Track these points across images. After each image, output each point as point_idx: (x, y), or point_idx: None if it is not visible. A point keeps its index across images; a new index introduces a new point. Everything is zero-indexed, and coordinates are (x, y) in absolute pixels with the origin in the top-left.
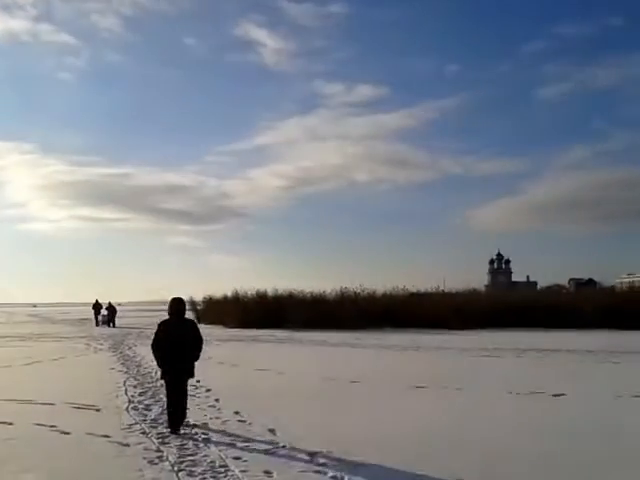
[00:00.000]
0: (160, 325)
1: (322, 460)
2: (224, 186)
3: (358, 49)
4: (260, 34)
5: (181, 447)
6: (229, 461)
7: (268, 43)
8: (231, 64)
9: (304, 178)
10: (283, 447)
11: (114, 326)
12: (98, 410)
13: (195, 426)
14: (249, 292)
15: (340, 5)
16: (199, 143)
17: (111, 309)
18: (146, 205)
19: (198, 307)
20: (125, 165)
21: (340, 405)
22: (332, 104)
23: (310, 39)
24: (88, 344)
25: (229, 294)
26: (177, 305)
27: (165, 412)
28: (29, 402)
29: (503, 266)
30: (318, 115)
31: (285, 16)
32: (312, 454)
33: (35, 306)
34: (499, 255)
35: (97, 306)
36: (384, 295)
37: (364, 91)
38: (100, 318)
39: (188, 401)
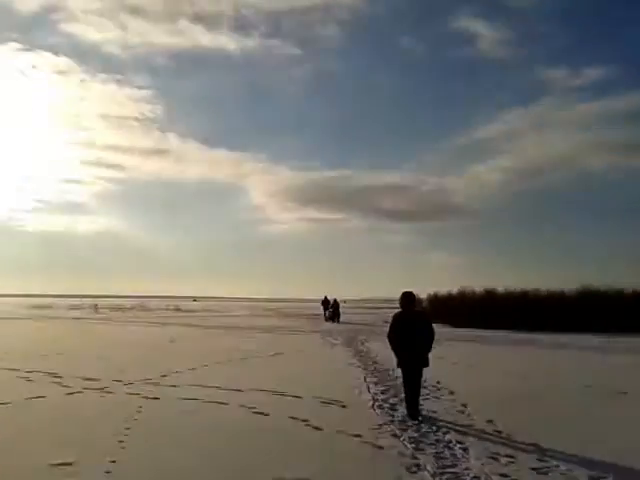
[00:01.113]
0: (394, 317)
1: None
2: (443, 183)
3: (581, 30)
4: (476, 25)
5: (438, 456)
6: (496, 479)
7: (485, 33)
8: (448, 59)
9: (528, 170)
10: (556, 467)
11: (338, 322)
12: (344, 406)
13: (446, 431)
14: (477, 289)
15: None
16: (417, 141)
17: (335, 305)
18: (366, 205)
19: (422, 305)
20: (345, 167)
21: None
22: (556, 90)
23: (528, 25)
24: (323, 339)
25: (454, 291)
26: (408, 298)
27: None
28: (281, 394)
29: None
30: (541, 103)
31: (500, 3)
32: None
33: (273, 301)
34: None
35: (326, 302)
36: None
37: (591, 74)
38: (327, 314)
39: (435, 403)
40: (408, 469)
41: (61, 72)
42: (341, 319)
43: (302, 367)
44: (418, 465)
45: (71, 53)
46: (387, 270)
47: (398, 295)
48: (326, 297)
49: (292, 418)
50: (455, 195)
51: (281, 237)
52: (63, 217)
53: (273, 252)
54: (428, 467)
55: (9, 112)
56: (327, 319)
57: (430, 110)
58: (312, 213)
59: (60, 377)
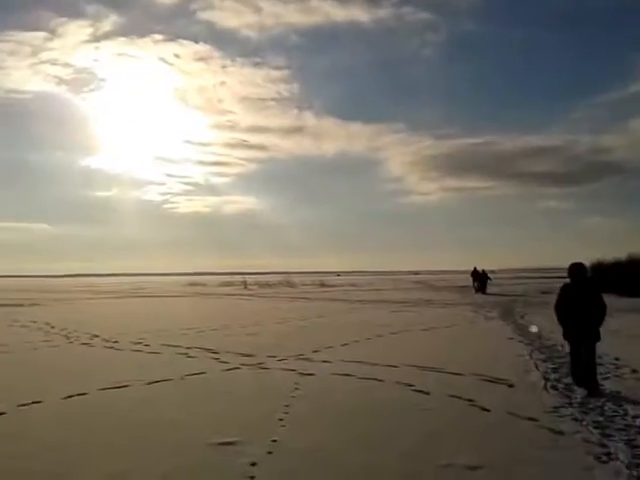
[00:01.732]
0: (563, 288)
1: None
2: (597, 141)
3: None
4: None
5: (631, 444)
6: None
7: None
8: (592, 9)
9: None
10: None
11: (485, 293)
12: (511, 386)
13: (636, 415)
14: None
15: None
16: (564, 100)
17: (483, 276)
18: (510, 171)
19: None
20: (487, 133)
21: None
22: None
23: None
24: (476, 311)
25: (615, 258)
26: (578, 269)
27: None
28: (438, 371)
29: None
30: None
31: None
32: None
33: (417, 274)
34: None
35: (475, 273)
36: None
37: None
38: (476, 285)
39: (617, 383)
40: (597, 458)
41: (202, 59)
42: (492, 290)
43: (458, 342)
44: (609, 454)
45: (210, 40)
46: (539, 238)
47: (551, 264)
48: (475, 268)
49: (454, 397)
50: (612, 153)
51: (424, 208)
52: (211, 198)
53: (416, 224)
54: (621, 456)
55: (156, 101)
56: (477, 291)
57: (578, 65)
58: (455, 182)
59: (217, 353)
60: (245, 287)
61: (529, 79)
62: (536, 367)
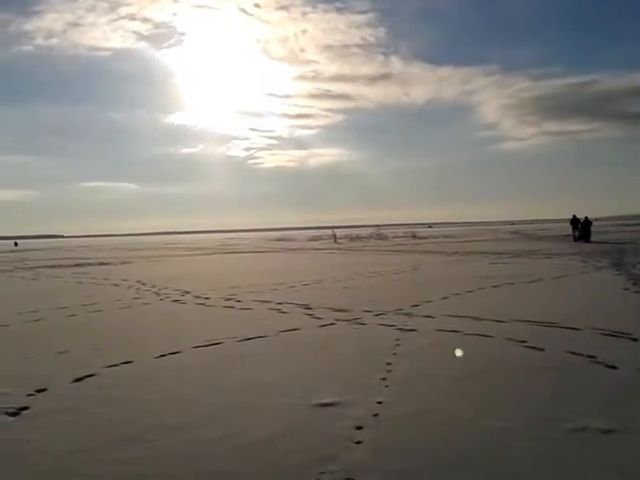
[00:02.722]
0: None
1: None
2: None
3: None
4: None
5: None
6: None
7: None
8: None
9: None
10: None
11: (589, 241)
12: (635, 340)
13: None
14: None
15: None
16: None
17: (586, 224)
18: (615, 111)
19: None
20: (588, 71)
21: None
22: None
23: None
24: (584, 261)
25: None
26: None
27: None
28: (551, 325)
29: None
30: None
31: None
32: None
33: (513, 224)
34: None
35: (575, 221)
36: None
37: None
38: (576, 233)
39: None
40: None
41: (282, 7)
42: (597, 239)
43: (569, 294)
44: None
45: None
46: None
47: None
48: (575, 216)
49: (573, 354)
50: None
51: (520, 155)
52: (295, 152)
53: (511, 172)
54: None
55: (237, 53)
56: (576, 239)
57: None
58: (555, 126)
59: (310, 308)
60: (335, 241)
61: (636, 10)
62: None
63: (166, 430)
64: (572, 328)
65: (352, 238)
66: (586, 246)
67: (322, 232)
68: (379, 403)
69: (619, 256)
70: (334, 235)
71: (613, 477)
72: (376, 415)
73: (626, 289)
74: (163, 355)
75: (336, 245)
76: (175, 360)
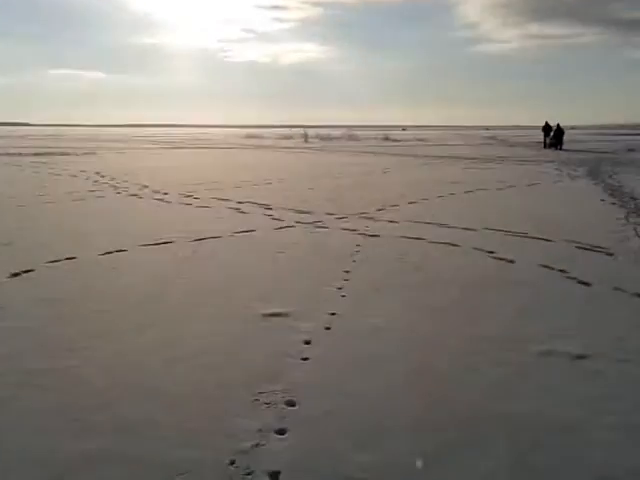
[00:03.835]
0: None
1: None
2: None
3: None
4: None
5: None
6: None
7: None
8: None
9: None
10: None
11: (561, 149)
12: (610, 254)
13: None
14: None
15: None
16: None
17: (559, 131)
18: (599, 15)
19: None
20: None
21: None
22: None
23: None
24: (559, 169)
25: None
26: None
27: None
28: (523, 236)
29: None
30: None
31: None
32: None
33: (488, 129)
34: None
35: (547, 128)
36: None
37: None
38: (547, 141)
39: None
40: None
41: None
42: (574, 147)
43: (542, 203)
44: None
45: None
46: (628, 92)
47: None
48: (547, 123)
49: (545, 267)
50: None
51: (500, 58)
52: (269, 46)
53: (489, 75)
54: None
55: None
56: (547, 146)
57: None
58: (538, 28)
59: (271, 209)
60: (305, 140)
61: None
62: (636, 233)
63: (97, 337)
64: (545, 239)
65: (323, 138)
66: (562, 154)
67: (294, 131)
68: (332, 315)
69: (596, 165)
70: (305, 135)
71: (581, 413)
72: (328, 329)
73: (602, 200)
74: (109, 252)
75: (307, 145)
76: (120, 258)
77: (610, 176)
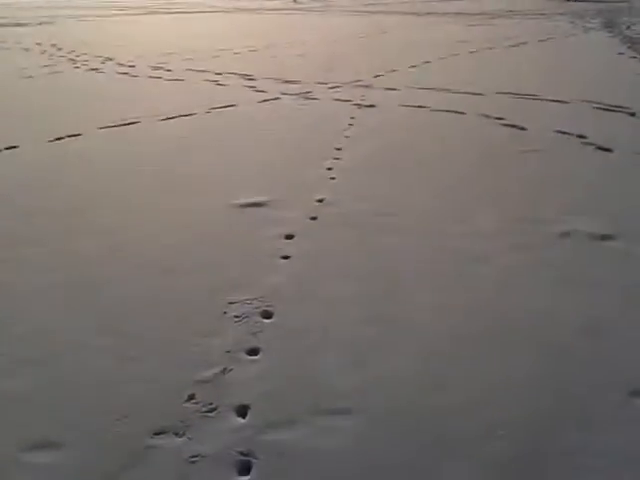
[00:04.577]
0: None
1: None
2: None
3: None
4: None
5: None
6: None
7: None
8: None
9: None
10: None
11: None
12: (633, 114)
13: None
14: None
15: None
16: None
17: None
18: None
19: None
20: None
21: None
22: None
23: None
24: (572, 22)
25: None
26: None
27: None
28: (534, 98)
29: None
30: None
31: None
32: None
33: None
34: None
35: None
36: None
37: None
38: None
39: None
40: None
41: None
42: None
43: (556, 60)
44: None
45: None
46: None
47: None
48: None
49: (561, 133)
50: None
51: None
52: None
53: None
54: None
55: None
56: None
57: None
58: None
59: (254, 79)
60: (294, 1)
61: None
62: None
63: (27, 244)
64: (560, 101)
65: None
66: (574, 5)
67: None
68: (320, 202)
69: (612, 16)
70: None
71: (614, 298)
72: (314, 219)
73: (621, 54)
74: (59, 138)
75: (296, 5)
76: (73, 145)
77: (628, 27)
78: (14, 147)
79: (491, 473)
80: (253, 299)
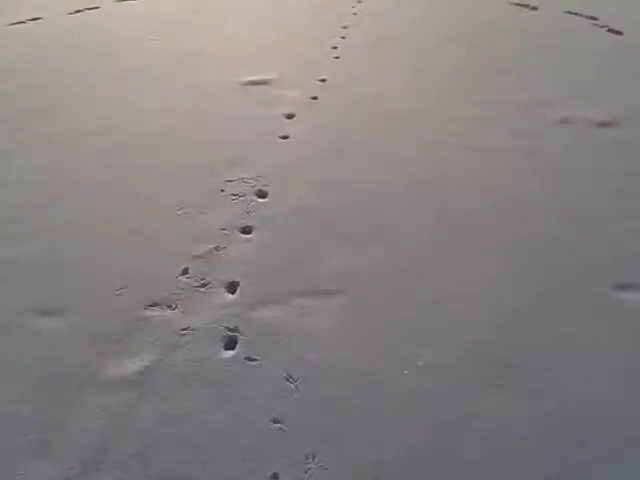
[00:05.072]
0: None
1: None
2: None
3: None
4: None
5: None
6: None
7: None
8: None
9: None
10: None
11: None
12: None
13: None
14: None
15: None
16: None
17: None
18: None
19: None
20: None
21: None
22: None
23: None
24: None
25: None
26: None
27: None
28: None
29: None
30: None
31: None
32: None
33: None
34: None
35: None
36: None
37: None
38: None
39: None
40: None
41: None
42: None
43: None
44: None
45: None
46: None
47: None
48: None
49: (572, 14)
50: None
51: None
52: None
53: None
54: None
55: None
56: None
57: None
58: None
59: None
60: None
61: None
62: None
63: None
64: None
65: None
66: None
67: None
68: (322, 81)
69: None
70: None
71: (619, 180)
72: (315, 99)
73: None
74: (79, 11)
75: None
76: (91, 17)
77: None
78: (38, 19)
79: (474, 356)
80: (250, 178)
